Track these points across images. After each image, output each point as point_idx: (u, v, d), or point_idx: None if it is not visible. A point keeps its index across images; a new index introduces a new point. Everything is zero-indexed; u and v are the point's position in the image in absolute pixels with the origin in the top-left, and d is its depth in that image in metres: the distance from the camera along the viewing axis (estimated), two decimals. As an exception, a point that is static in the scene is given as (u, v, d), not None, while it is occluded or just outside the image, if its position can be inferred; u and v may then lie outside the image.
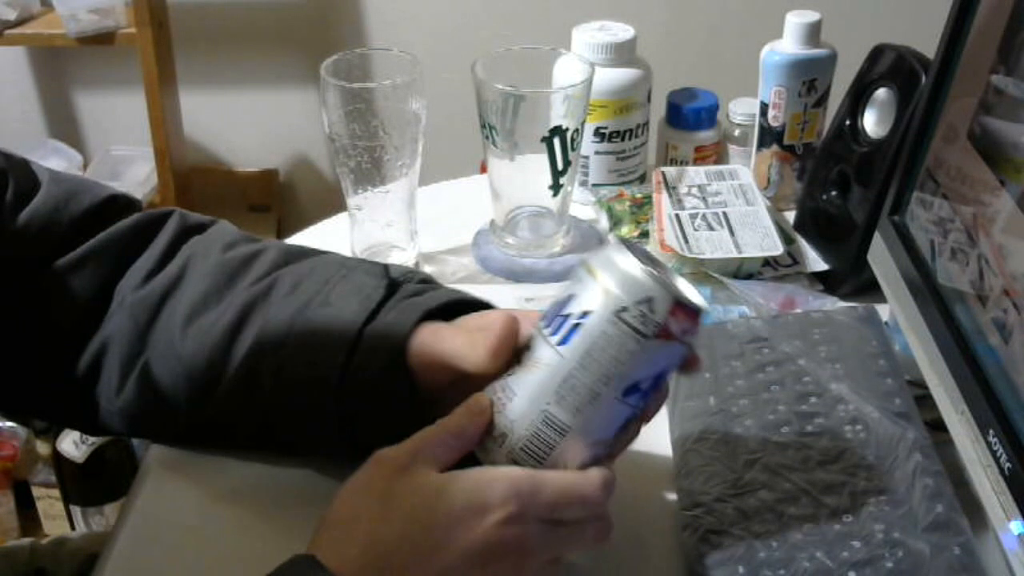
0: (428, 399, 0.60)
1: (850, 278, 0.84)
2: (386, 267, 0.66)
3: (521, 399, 0.54)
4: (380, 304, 0.62)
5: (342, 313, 0.62)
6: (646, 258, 0.54)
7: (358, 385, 0.60)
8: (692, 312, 0.53)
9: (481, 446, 0.55)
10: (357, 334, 0.61)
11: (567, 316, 0.53)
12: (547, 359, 0.53)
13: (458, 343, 0.58)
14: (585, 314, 0.52)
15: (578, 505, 0.53)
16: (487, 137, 0.84)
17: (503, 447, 0.54)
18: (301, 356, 0.62)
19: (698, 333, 0.54)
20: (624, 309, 0.52)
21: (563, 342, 0.53)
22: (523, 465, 0.54)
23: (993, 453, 0.54)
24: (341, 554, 0.50)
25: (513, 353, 0.56)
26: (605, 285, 0.52)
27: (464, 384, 0.58)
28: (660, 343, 0.52)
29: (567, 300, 0.54)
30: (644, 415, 0.56)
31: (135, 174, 2.02)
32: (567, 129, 0.83)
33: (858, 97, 0.84)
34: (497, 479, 0.52)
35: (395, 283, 0.65)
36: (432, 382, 0.60)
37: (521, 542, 0.52)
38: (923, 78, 0.77)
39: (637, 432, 0.57)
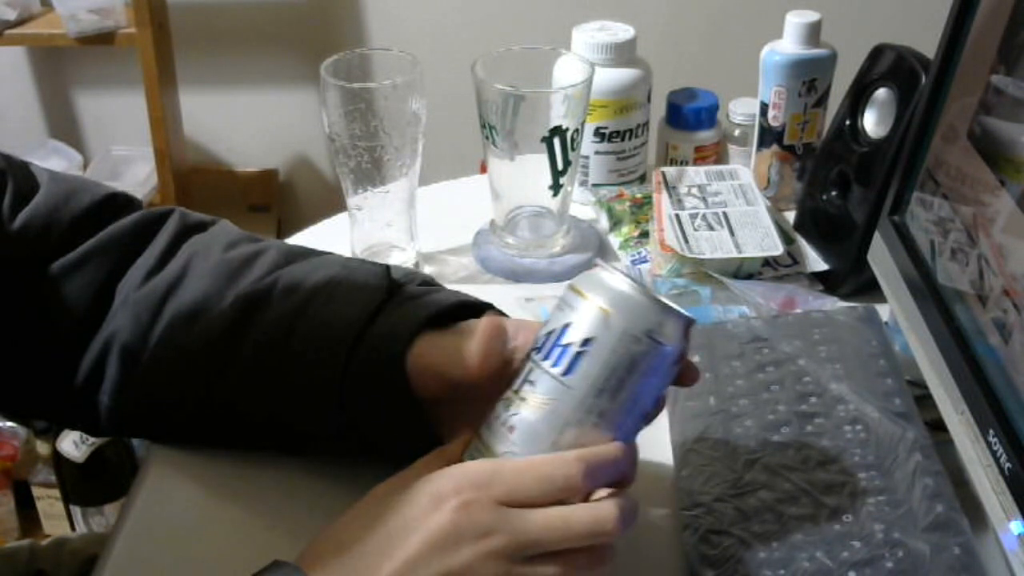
0: (427, 404, 0.60)
1: (850, 278, 0.84)
2: (388, 268, 0.66)
3: (524, 436, 0.53)
4: (381, 305, 0.62)
5: (344, 313, 0.62)
6: (628, 275, 0.53)
7: (359, 385, 0.60)
8: (687, 327, 0.53)
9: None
10: (358, 335, 0.61)
11: (567, 345, 0.52)
12: (552, 391, 0.52)
13: (447, 355, 0.59)
14: (588, 341, 0.51)
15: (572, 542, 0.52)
16: (487, 137, 0.84)
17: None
18: (302, 355, 0.62)
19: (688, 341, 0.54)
20: (633, 336, 0.51)
21: (567, 372, 0.52)
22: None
23: (993, 453, 0.54)
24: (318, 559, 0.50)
25: (506, 362, 0.56)
26: (605, 309, 0.51)
27: (459, 392, 0.58)
28: (659, 359, 0.52)
29: (563, 329, 0.52)
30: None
31: (135, 174, 2.03)
32: (567, 129, 0.83)
33: (858, 97, 0.84)
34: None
35: (396, 285, 0.64)
36: (428, 390, 0.60)
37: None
38: (923, 78, 0.77)
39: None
